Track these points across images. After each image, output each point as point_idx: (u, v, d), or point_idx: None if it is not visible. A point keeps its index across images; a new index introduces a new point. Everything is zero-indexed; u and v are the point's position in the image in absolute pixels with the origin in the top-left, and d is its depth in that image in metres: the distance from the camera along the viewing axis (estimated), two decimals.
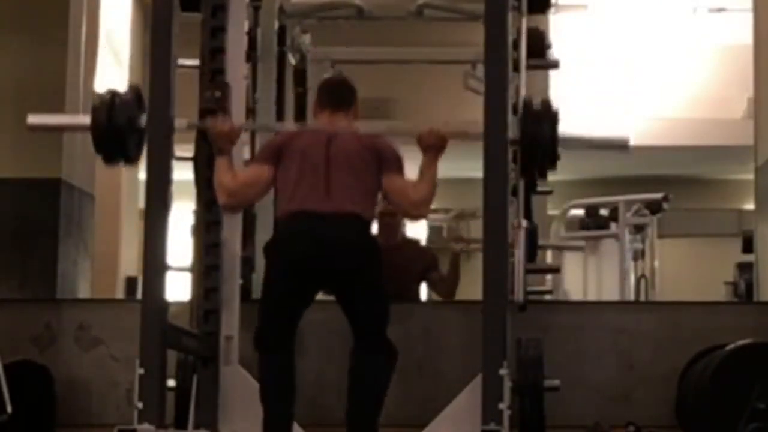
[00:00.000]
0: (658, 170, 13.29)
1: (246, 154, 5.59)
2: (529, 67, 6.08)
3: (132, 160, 4.89)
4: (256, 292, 5.58)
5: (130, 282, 10.25)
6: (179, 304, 5.18)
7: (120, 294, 10.16)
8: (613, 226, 10.67)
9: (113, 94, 4.82)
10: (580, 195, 11.66)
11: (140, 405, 4.53)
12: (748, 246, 8.85)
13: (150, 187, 4.76)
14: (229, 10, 5.31)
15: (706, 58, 13.41)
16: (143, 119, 4.80)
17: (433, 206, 4.93)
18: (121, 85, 4.96)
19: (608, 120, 12.11)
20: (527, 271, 5.71)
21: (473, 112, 5.17)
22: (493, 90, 4.74)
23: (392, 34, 8.17)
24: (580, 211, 11.13)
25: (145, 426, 4.50)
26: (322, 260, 4.58)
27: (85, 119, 4.84)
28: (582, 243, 10.72)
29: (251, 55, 6.16)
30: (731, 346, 5.77)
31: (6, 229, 7.18)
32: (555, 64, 6.56)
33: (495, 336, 4.58)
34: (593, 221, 10.82)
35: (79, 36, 7.56)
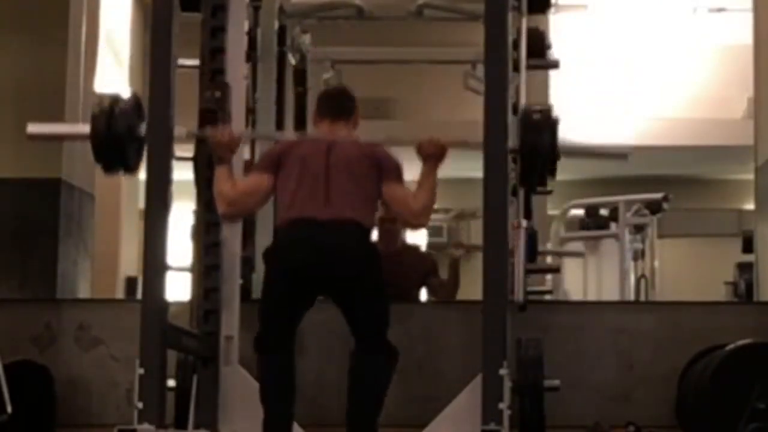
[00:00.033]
0: (658, 170, 13.27)
1: (246, 154, 5.59)
2: (529, 67, 6.09)
3: (131, 168, 4.87)
4: (256, 292, 5.58)
5: (130, 282, 10.25)
6: (179, 304, 5.18)
7: (120, 294, 10.16)
8: (613, 226, 10.66)
9: (112, 103, 4.77)
10: (580, 195, 11.64)
11: (140, 405, 4.51)
12: (748, 246, 8.84)
13: (150, 187, 4.75)
14: (229, 10, 5.30)
15: (706, 58, 13.42)
16: (143, 128, 4.77)
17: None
18: (122, 86, 4.94)
19: (608, 120, 12.14)
20: (527, 271, 5.71)
21: (473, 112, 5.18)
22: (493, 90, 4.73)
23: (392, 34, 8.17)
24: (580, 211, 11.12)
25: (145, 426, 4.50)
26: (321, 267, 4.57)
27: (85, 128, 4.80)
28: (582, 249, 10.70)
29: (251, 55, 6.16)
30: (731, 346, 5.77)
31: (6, 229, 7.16)
32: (555, 64, 6.56)
33: (495, 336, 4.58)
34: (593, 221, 10.81)
35: (79, 36, 7.55)
